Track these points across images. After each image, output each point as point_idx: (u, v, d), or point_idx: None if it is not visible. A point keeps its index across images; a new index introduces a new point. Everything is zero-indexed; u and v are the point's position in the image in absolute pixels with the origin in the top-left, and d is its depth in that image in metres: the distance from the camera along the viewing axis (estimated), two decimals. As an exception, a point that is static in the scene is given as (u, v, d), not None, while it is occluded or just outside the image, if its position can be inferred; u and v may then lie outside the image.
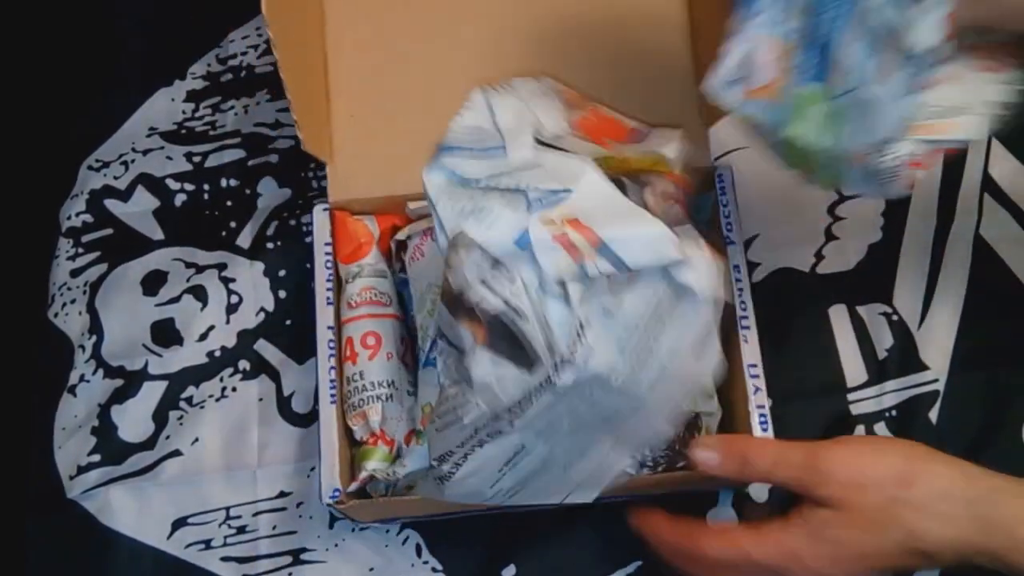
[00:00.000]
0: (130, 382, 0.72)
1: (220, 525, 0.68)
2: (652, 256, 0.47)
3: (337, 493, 0.59)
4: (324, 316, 0.63)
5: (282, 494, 0.69)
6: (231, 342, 0.73)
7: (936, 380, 0.69)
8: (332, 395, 0.61)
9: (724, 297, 0.51)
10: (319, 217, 0.65)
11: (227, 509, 0.69)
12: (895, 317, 0.71)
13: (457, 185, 0.50)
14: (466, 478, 0.53)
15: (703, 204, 0.67)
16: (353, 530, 0.68)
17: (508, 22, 0.68)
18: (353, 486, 0.61)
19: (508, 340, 0.48)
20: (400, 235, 0.64)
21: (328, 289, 0.64)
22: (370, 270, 0.65)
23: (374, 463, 0.61)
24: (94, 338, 0.73)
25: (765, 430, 0.60)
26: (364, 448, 0.62)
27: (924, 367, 0.69)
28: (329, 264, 0.64)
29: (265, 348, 0.72)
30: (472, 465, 0.52)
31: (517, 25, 0.68)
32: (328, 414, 0.61)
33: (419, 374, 0.64)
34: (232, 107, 0.80)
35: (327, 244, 0.65)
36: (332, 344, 0.62)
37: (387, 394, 0.62)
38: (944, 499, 0.49)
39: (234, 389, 0.71)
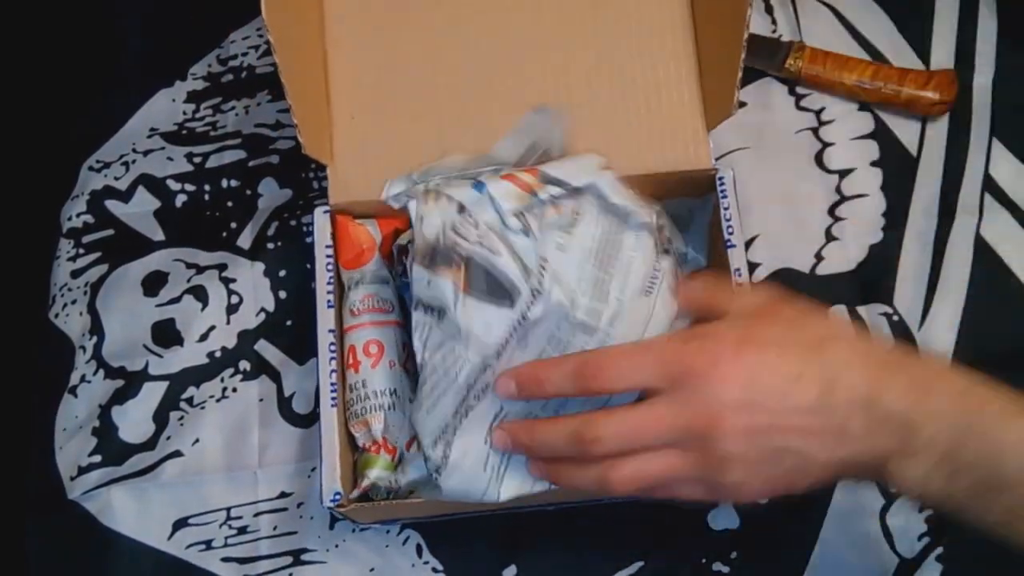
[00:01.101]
0: (131, 383, 0.72)
1: (221, 526, 0.68)
2: (587, 173, 0.57)
3: (338, 496, 0.59)
4: (325, 319, 0.63)
5: (283, 495, 0.69)
6: (231, 342, 0.73)
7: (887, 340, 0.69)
8: (333, 398, 0.61)
9: (661, 227, 0.57)
10: (320, 219, 0.65)
11: (228, 510, 0.69)
12: (895, 317, 0.71)
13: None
14: (460, 461, 0.54)
15: (704, 207, 0.67)
16: (354, 531, 0.68)
17: (510, 21, 0.67)
18: (355, 493, 0.61)
19: (487, 279, 0.52)
20: (402, 240, 0.64)
21: (329, 292, 0.63)
22: (372, 276, 0.65)
23: (376, 471, 0.61)
24: (95, 339, 0.73)
25: None
26: (366, 456, 0.62)
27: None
28: (330, 267, 0.64)
29: (266, 348, 0.72)
30: (462, 442, 0.54)
31: (519, 25, 0.67)
32: (329, 417, 0.61)
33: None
34: (233, 108, 0.80)
35: (328, 247, 0.64)
36: (333, 347, 0.62)
37: (390, 403, 0.62)
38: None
39: (235, 390, 0.71)
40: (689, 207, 0.68)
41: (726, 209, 0.64)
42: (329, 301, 0.63)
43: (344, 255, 0.65)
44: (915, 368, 0.48)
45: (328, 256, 0.64)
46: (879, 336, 0.50)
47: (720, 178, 0.65)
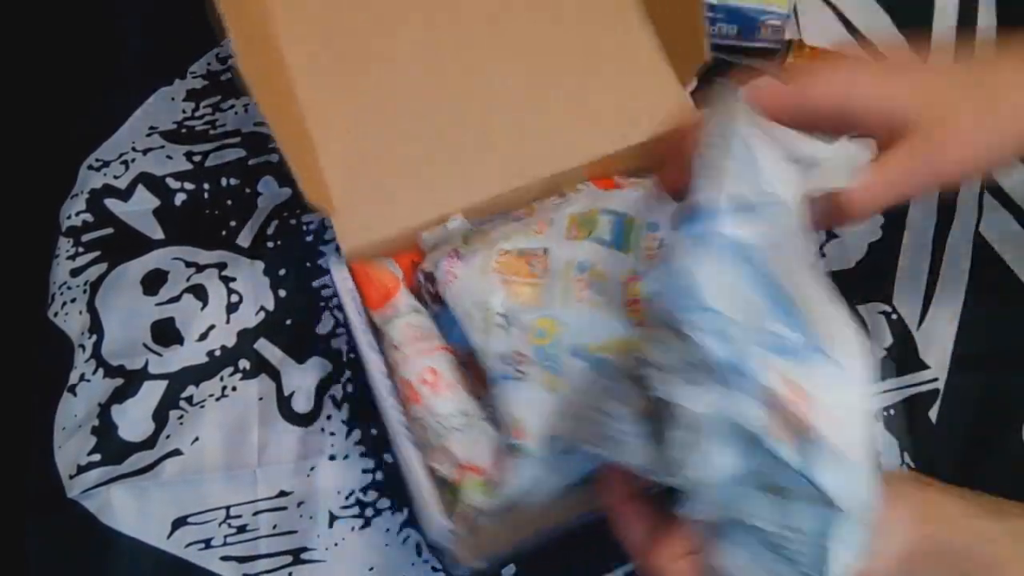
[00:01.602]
0: (130, 381, 0.72)
1: (220, 524, 0.68)
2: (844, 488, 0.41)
3: (450, 533, 0.56)
4: (374, 363, 0.60)
5: (282, 493, 0.69)
6: (231, 341, 0.73)
7: (936, 379, 0.69)
8: (408, 436, 0.59)
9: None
10: (337, 268, 0.63)
11: (227, 508, 0.69)
12: (894, 316, 0.71)
13: None
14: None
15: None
16: (353, 529, 0.68)
17: (479, 33, 0.67)
18: (461, 526, 0.57)
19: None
20: (426, 267, 0.62)
21: (366, 332, 0.61)
22: (406, 308, 0.63)
23: (474, 496, 0.57)
24: (94, 337, 0.73)
25: None
26: (459, 484, 0.58)
27: (924, 366, 0.69)
28: (361, 311, 0.62)
29: (265, 347, 0.72)
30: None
31: (490, 37, 0.66)
32: (409, 455, 0.58)
33: (494, 388, 0.59)
34: (232, 106, 0.80)
35: (352, 291, 0.62)
36: (390, 388, 0.60)
37: (462, 423, 0.59)
38: None
39: (234, 388, 0.71)
40: None
41: None
42: (371, 344, 0.61)
43: (371, 298, 0.63)
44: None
45: (355, 299, 0.62)
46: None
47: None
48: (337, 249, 0.63)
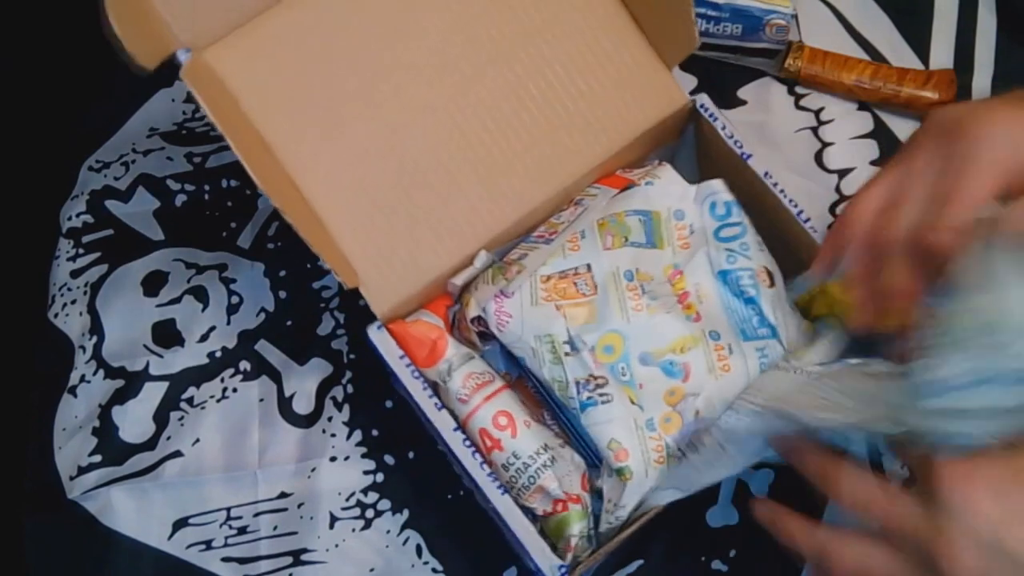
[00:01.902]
0: (131, 383, 0.72)
1: (221, 526, 0.68)
2: None
3: (564, 569, 0.56)
4: (445, 422, 0.59)
5: (283, 495, 0.69)
6: (232, 343, 0.73)
7: None
8: (499, 487, 0.58)
9: None
10: (379, 337, 0.60)
11: (228, 510, 0.69)
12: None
13: None
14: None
15: (685, 139, 0.68)
16: (354, 530, 0.68)
17: (459, 63, 0.64)
18: (569, 558, 0.57)
19: None
20: (472, 312, 0.60)
21: (431, 397, 0.59)
22: (460, 358, 0.61)
23: (578, 526, 0.58)
24: (95, 339, 0.73)
25: None
26: (555, 518, 0.59)
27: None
28: (416, 374, 0.60)
29: (266, 349, 0.72)
30: None
31: (471, 64, 0.64)
32: (508, 505, 0.57)
33: (583, 418, 0.58)
34: (232, 108, 0.80)
35: (402, 357, 0.60)
36: (468, 443, 0.59)
37: (548, 458, 0.59)
38: None
39: (235, 390, 0.71)
40: (671, 148, 0.69)
41: (723, 128, 0.64)
42: (437, 405, 0.59)
43: (419, 357, 0.61)
44: None
45: (408, 365, 0.60)
46: None
47: (701, 106, 0.64)
48: (372, 318, 0.61)
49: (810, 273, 0.57)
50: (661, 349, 0.58)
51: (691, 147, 0.69)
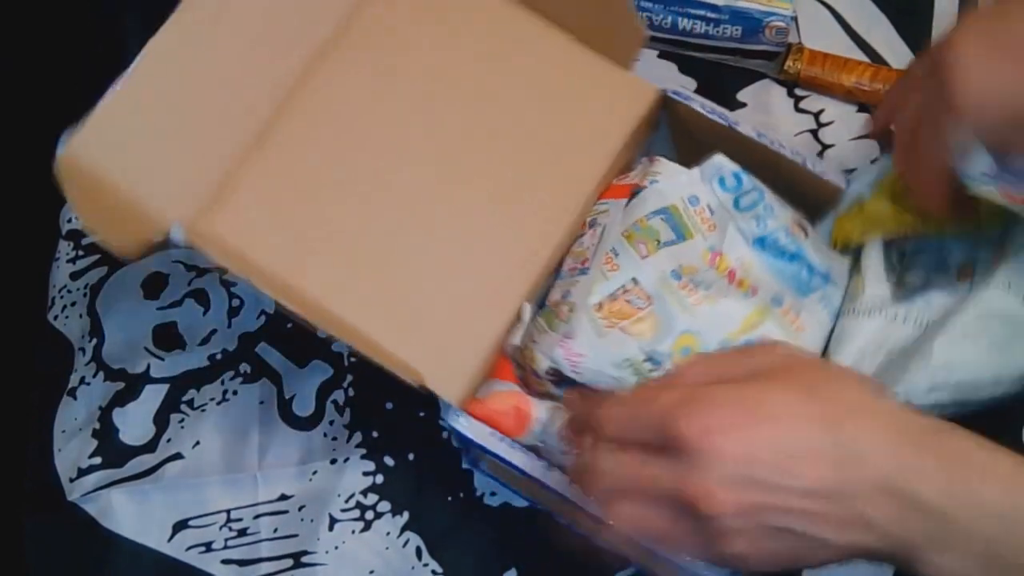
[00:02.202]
0: (131, 385, 0.72)
1: (221, 528, 0.68)
2: None
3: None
4: (559, 481, 0.58)
5: (283, 497, 0.69)
6: (232, 345, 0.73)
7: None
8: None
9: None
10: (466, 424, 0.59)
11: (228, 512, 0.69)
12: (895, 319, 0.71)
13: None
14: None
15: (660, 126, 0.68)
16: (354, 532, 0.68)
17: (429, 131, 0.64)
18: None
19: None
20: (543, 366, 0.59)
21: (542, 463, 0.58)
22: (549, 415, 0.59)
23: None
24: (95, 341, 0.73)
25: None
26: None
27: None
28: (514, 445, 0.58)
29: (266, 351, 0.73)
30: None
31: (441, 127, 0.64)
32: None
33: None
34: (232, 109, 0.80)
35: (493, 434, 0.59)
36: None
37: None
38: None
39: (235, 392, 0.71)
40: (648, 142, 0.69)
41: (703, 107, 0.64)
42: (546, 466, 0.58)
43: (510, 429, 0.59)
44: (954, 448, 0.43)
45: (501, 439, 0.58)
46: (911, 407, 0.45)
47: (674, 93, 0.65)
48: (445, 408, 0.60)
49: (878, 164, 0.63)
50: (734, 332, 0.59)
51: (665, 137, 0.69)
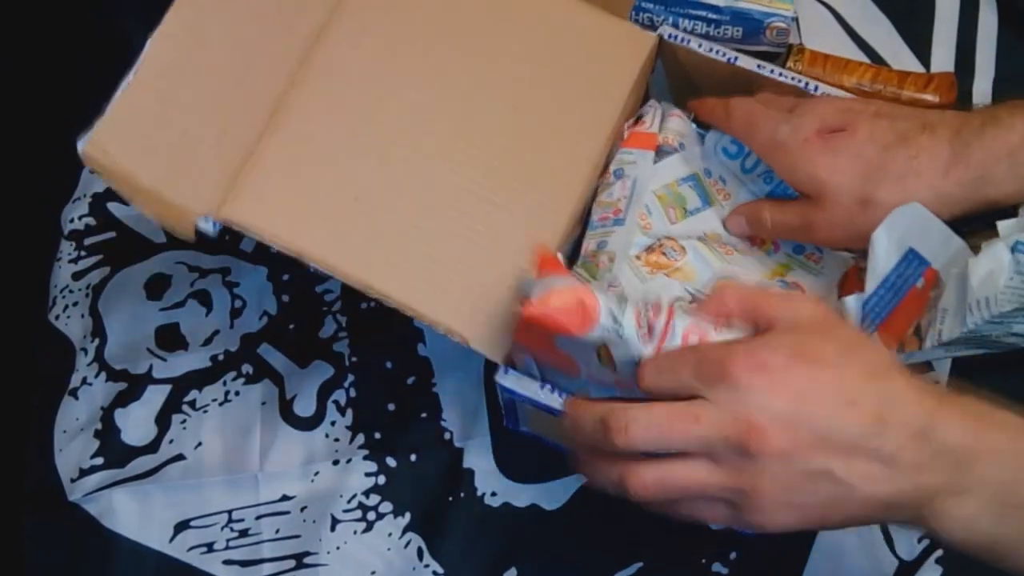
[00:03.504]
0: (133, 385, 0.72)
1: (223, 528, 0.68)
2: None
3: None
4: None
5: (285, 498, 0.69)
6: (234, 346, 0.73)
7: (937, 382, 0.69)
8: None
9: None
10: (513, 380, 0.58)
11: (229, 512, 0.69)
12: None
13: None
14: None
15: (657, 72, 0.70)
16: (355, 533, 0.68)
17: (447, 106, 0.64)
18: None
19: None
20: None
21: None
22: (617, 303, 0.51)
23: None
24: (97, 341, 0.74)
25: None
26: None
27: (929, 368, 0.69)
28: (563, 394, 0.57)
29: (268, 352, 0.73)
30: None
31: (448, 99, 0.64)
32: None
33: None
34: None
35: (544, 386, 0.58)
36: None
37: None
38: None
39: (237, 393, 0.71)
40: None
41: (700, 46, 0.67)
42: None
43: (575, 326, 0.50)
44: (971, 403, 0.46)
45: (552, 391, 0.57)
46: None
47: (670, 36, 0.67)
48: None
49: None
50: (768, 274, 0.63)
51: (661, 82, 0.71)
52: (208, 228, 0.59)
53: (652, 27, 0.75)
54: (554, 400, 0.58)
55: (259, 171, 0.60)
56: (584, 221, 0.65)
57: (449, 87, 0.64)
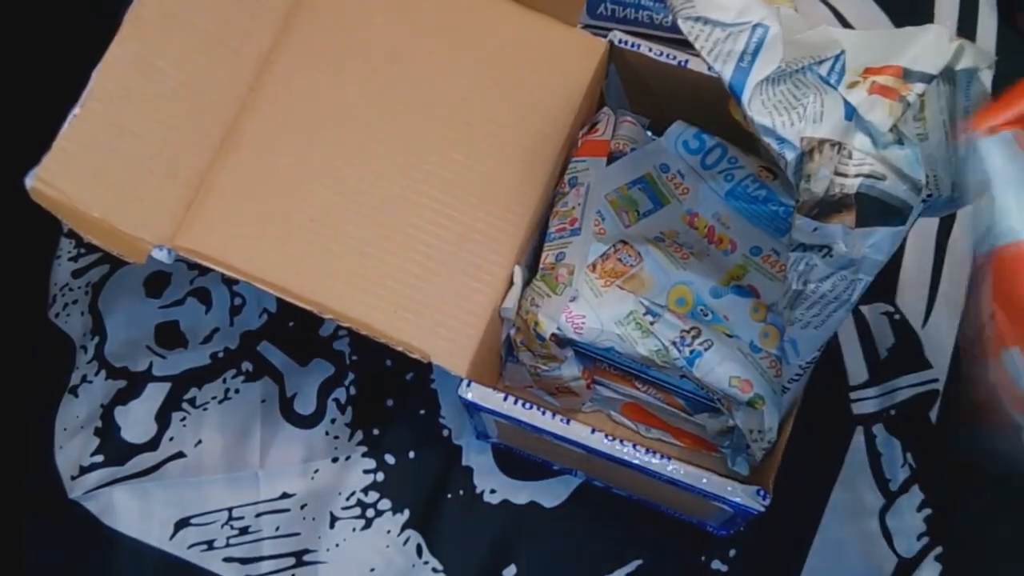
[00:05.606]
0: (133, 383, 0.72)
1: (223, 526, 0.69)
2: (942, 55, 0.53)
3: (763, 492, 0.57)
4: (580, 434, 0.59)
5: (284, 495, 0.69)
6: (234, 344, 0.73)
7: (936, 380, 0.69)
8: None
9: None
10: (476, 392, 0.59)
11: (229, 510, 0.69)
12: (897, 316, 0.71)
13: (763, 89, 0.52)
14: None
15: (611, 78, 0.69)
16: (354, 530, 0.68)
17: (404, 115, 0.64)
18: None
19: (876, 207, 0.50)
20: (548, 329, 0.59)
21: (556, 417, 0.59)
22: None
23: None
24: (97, 339, 0.74)
25: None
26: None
27: (928, 366, 0.69)
28: (527, 405, 0.59)
29: (268, 350, 0.73)
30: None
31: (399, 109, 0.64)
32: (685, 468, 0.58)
33: (695, 371, 0.59)
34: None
35: (506, 399, 0.59)
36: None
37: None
38: None
39: (237, 391, 0.72)
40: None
41: (651, 50, 0.65)
42: (564, 420, 0.59)
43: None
44: None
45: (527, 407, 0.59)
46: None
47: (620, 41, 0.66)
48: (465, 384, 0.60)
49: None
50: (724, 277, 0.61)
51: (616, 86, 0.70)
52: (163, 256, 0.58)
53: (652, 25, 0.76)
54: (517, 412, 0.59)
55: (212, 198, 0.60)
56: (541, 231, 0.64)
57: (400, 104, 0.63)
